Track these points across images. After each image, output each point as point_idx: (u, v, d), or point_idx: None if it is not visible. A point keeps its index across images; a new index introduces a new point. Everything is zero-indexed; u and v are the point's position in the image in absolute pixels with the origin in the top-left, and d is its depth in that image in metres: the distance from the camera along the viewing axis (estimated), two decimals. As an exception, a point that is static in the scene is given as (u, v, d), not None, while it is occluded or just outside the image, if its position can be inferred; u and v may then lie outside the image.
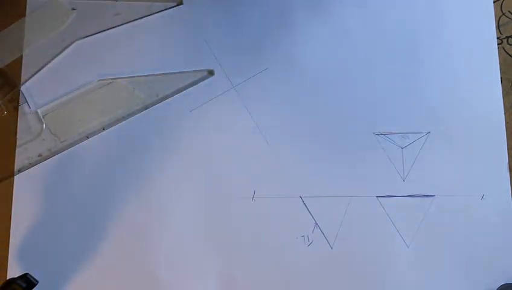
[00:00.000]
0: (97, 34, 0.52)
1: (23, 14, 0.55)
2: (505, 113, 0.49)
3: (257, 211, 0.49)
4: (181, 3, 0.54)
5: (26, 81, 0.53)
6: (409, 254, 0.47)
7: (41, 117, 0.52)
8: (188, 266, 0.48)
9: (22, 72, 0.53)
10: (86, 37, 0.52)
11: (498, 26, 0.51)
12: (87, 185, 0.51)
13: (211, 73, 0.52)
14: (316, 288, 0.47)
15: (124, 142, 0.51)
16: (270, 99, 0.51)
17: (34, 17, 0.55)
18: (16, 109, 0.53)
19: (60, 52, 0.53)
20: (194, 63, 0.52)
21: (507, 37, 0.51)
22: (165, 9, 0.54)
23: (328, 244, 0.48)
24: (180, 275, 0.48)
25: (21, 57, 0.54)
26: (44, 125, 0.52)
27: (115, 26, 0.53)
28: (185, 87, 0.52)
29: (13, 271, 0.49)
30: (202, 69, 0.52)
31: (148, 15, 0.54)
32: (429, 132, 0.49)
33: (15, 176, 0.51)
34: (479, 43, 0.51)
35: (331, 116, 0.50)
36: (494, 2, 0.51)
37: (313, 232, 0.48)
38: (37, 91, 0.53)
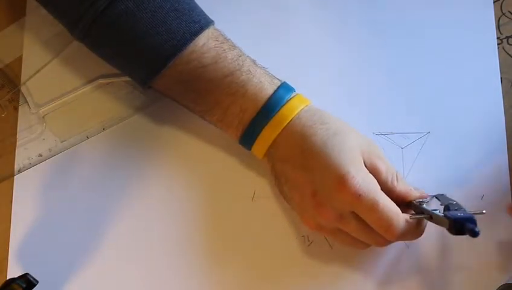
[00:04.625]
0: (97, 34, 0.52)
1: (23, 14, 0.55)
2: (505, 113, 0.49)
3: (257, 211, 0.49)
4: (181, 3, 0.54)
5: (26, 81, 0.53)
6: (409, 254, 0.47)
7: (42, 117, 0.52)
8: (188, 266, 0.48)
9: (22, 72, 0.54)
10: (86, 37, 0.52)
11: (498, 26, 0.51)
12: (87, 185, 0.51)
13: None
14: (316, 288, 0.47)
15: (124, 142, 0.51)
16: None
17: (34, 17, 0.55)
18: (16, 109, 0.53)
19: (60, 52, 0.53)
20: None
21: (507, 37, 0.51)
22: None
23: (328, 244, 0.48)
24: (180, 275, 0.48)
25: (21, 57, 0.54)
26: (44, 125, 0.52)
27: (115, 26, 0.53)
28: (185, 87, 0.52)
29: (13, 271, 0.49)
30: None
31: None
32: (429, 132, 0.49)
33: (15, 176, 0.51)
34: (479, 43, 0.51)
35: (331, 116, 0.50)
36: (494, 2, 0.51)
37: (313, 232, 0.47)
38: (37, 91, 0.53)
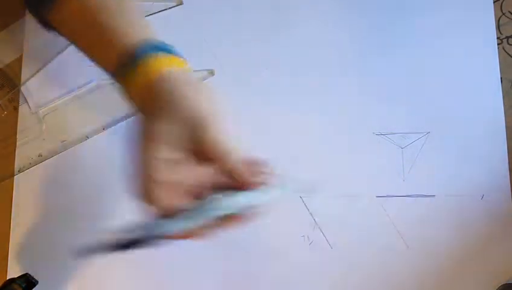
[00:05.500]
0: (97, 34, 0.52)
1: (23, 14, 0.55)
2: (505, 113, 0.49)
3: (257, 211, 0.49)
4: (181, 3, 0.54)
5: (26, 81, 0.53)
6: (409, 254, 0.47)
7: (41, 117, 0.52)
8: (188, 266, 0.48)
9: (22, 72, 0.54)
10: (86, 37, 0.52)
11: (498, 26, 0.51)
12: (87, 185, 0.51)
13: (211, 73, 0.52)
14: (316, 288, 0.47)
15: (123, 142, 0.51)
16: (270, 98, 0.51)
17: (34, 17, 0.55)
18: (16, 109, 0.53)
19: (60, 52, 0.53)
20: (194, 63, 0.52)
21: (507, 37, 0.51)
22: (165, 9, 0.54)
23: (328, 244, 0.48)
24: (180, 275, 0.48)
25: (21, 57, 0.54)
26: (44, 125, 0.52)
27: (115, 26, 0.53)
28: (185, 87, 0.52)
29: (13, 271, 0.49)
30: (202, 69, 0.52)
31: (148, 15, 0.54)
32: (429, 132, 0.49)
33: (15, 176, 0.51)
34: (479, 43, 0.51)
35: (331, 116, 0.50)
36: (494, 2, 0.51)
37: (313, 232, 0.48)
38: (37, 91, 0.53)
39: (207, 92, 0.43)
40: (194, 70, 0.52)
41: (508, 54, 0.50)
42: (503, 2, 0.51)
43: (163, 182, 0.40)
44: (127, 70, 0.43)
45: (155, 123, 0.41)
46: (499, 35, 0.51)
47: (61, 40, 0.53)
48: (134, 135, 0.42)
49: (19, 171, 0.52)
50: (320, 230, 0.48)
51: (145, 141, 0.41)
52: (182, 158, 0.41)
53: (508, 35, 0.51)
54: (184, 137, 0.41)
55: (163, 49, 0.44)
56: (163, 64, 0.44)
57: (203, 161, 0.41)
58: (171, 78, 0.43)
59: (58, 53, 0.53)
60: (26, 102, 0.53)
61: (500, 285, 0.45)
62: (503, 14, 0.51)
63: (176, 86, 0.43)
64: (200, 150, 0.41)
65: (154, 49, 0.44)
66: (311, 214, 0.48)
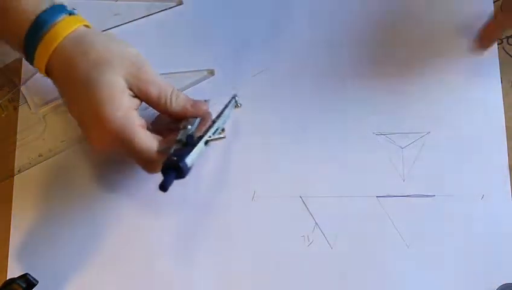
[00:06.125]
0: (97, 34, 0.52)
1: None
2: (505, 114, 0.49)
3: (257, 211, 0.49)
4: (181, 3, 0.54)
5: (26, 81, 0.53)
6: (409, 254, 0.47)
7: (41, 117, 0.52)
8: (188, 266, 0.48)
9: (22, 72, 0.54)
10: (86, 37, 0.52)
11: (498, 26, 0.51)
12: (87, 185, 0.51)
13: (211, 73, 0.52)
14: (316, 288, 0.47)
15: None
16: (270, 99, 0.51)
17: (34, 17, 0.54)
18: (16, 109, 0.53)
19: (60, 52, 0.53)
20: (194, 63, 0.52)
21: (507, 37, 0.51)
22: (165, 9, 0.54)
23: (328, 244, 0.48)
24: (180, 275, 0.48)
25: (21, 57, 0.54)
26: (44, 125, 0.52)
27: (115, 26, 0.53)
28: (185, 87, 0.52)
29: (13, 271, 0.49)
30: (202, 69, 0.52)
31: (148, 15, 0.54)
32: (429, 132, 0.49)
33: (15, 176, 0.51)
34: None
35: (331, 115, 0.50)
36: (494, 2, 0.51)
37: (313, 232, 0.48)
38: (37, 91, 0.53)
39: (122, 40, 0.45)
40: (194, 71, 0.52)
41: (508, 54, 0.50)
42: (503, 2, 0.51)
43: (147, 130, 0.43)
44: (41, 36, 0.42)
45: (102, 76, 0.42)
46: (499, 35, 0.51)
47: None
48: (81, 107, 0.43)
49: (18, 171, 0.52)
50: (320, 230, 0.48)
51: (105, 98, 0.42)
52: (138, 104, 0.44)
53: (508, 35, 0.51)
54: (128, 82, 0.43)
55: (66, 11, 0.44)
56: (75, 22, 0.44)
57: (146, 102, 0.44)
58: (89, 32, 0.44)
59: (58, 53, 0.53)
60: (26, 102, 0.53)
61: (500, 285, 0.45)
62: (503, 14, 0.51)
63: (98, 37, 0.44)
64: (139, 90, 0.43)
65: (59, 11, 0.43)
66: (311, 214, 0.48)
